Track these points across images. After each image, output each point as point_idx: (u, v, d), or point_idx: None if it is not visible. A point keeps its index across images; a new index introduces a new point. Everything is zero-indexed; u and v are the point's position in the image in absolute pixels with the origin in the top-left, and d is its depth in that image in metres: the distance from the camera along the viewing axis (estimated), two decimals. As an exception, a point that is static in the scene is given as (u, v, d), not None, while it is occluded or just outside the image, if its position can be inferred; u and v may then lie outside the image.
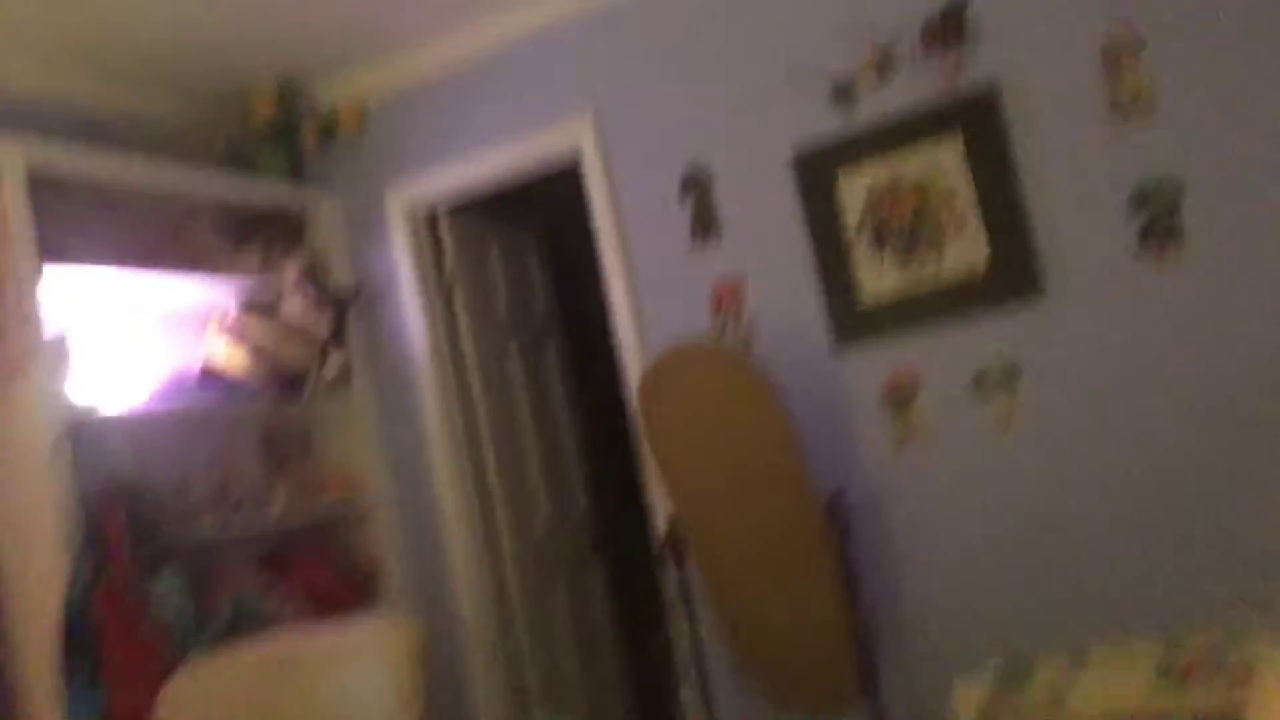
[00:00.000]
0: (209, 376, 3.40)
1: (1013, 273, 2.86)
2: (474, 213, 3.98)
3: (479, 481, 3.74)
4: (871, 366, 3.05)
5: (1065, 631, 2.78)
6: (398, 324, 3.76)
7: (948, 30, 2.93)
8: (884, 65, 3.01)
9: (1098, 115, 2.78)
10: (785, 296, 3.16)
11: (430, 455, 3.70)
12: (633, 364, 3.38)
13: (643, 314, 3.38)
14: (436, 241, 3.83)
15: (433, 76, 3.69)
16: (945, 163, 2.94)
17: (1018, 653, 2.62)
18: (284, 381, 3.48)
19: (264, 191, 3.65)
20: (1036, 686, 2.61)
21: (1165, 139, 2.70)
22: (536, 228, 4.50)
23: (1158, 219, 2.72)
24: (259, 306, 3.53)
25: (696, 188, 3.29)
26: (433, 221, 3.83)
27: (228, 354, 3.43)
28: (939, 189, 2.95)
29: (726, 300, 3.25)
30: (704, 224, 3.28)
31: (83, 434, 2.85)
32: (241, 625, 3.12)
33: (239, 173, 3.69)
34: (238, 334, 3.46)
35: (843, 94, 3.07)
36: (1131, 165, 2.74)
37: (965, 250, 2.92)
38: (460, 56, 3.63)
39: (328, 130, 3.82)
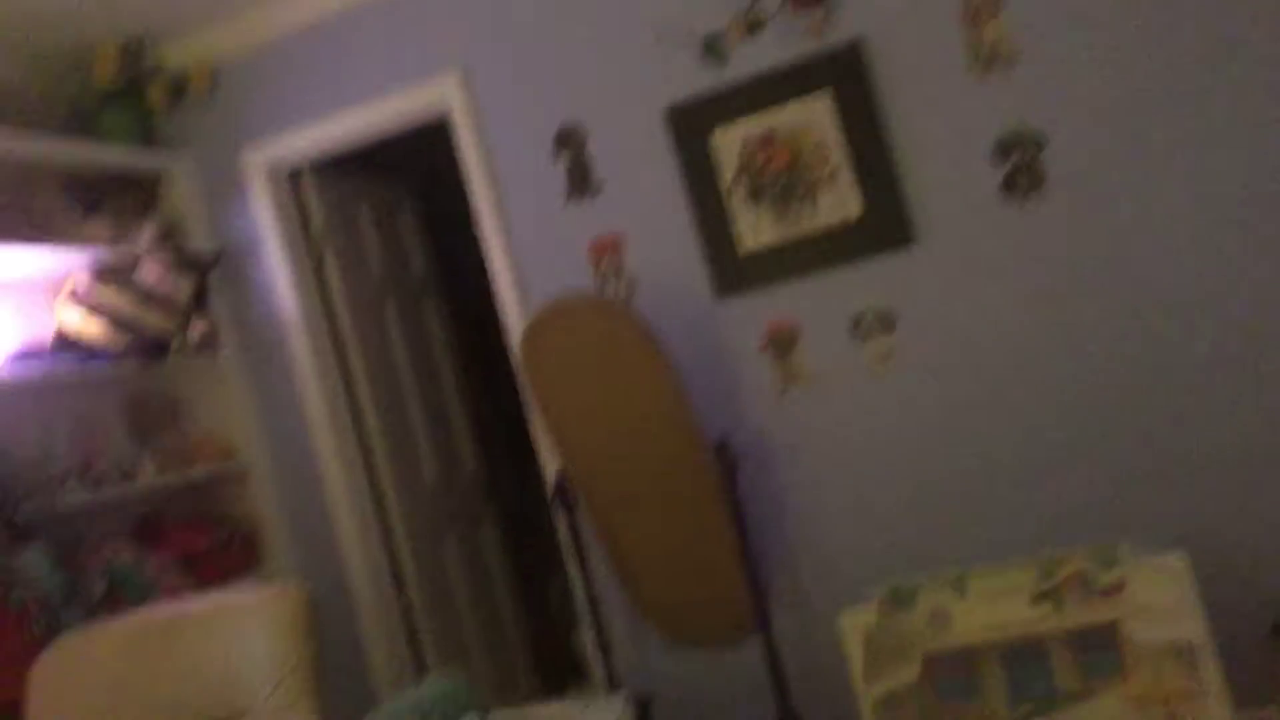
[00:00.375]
0: (64, 344, 3.24)
1: (885, 222, 2.96)
2: (342, 171, 3.88)
3: (361, 441, 3.70)
4: (752, 316, 3.12)
5: (946, 560, 2.93)
6: (265, 286, 3.65)
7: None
8: (753, 23, 3.05)
9: (960, 68, 2.89)
10: (665, 250, 3.20)
11: (307, 417, 3.62)
12: (515, 321, 3.36)
13: (522, 271, 3.37)
14: (302, 202, 3.71)
15: (291, 32, 3.55)
16: (816, 117, 3.01)
17: (902, 581, 2.74)
18: (146, 348, 3.34)
19: (112, 155, 3.47)
20: (920, 611, 2.74)
21: (1025, 90, 2.83)
22: (411, 184, 4.41)
23: (1020, 167, 2.85)
24: (114, 273, 3.36)
25: (571, 145, 3.28)
26: (298, 182, 3.71)
27: (83, 322, 3.27)
28: (811, 143, 3.02)
29: (606, 255, 3.26)
30: (580, 181, 3.28)
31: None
32: (117, 597, 3.01)
33: (84, 137, 3.50)
34: (92, 302, 3.29)
35: (713, 51, 3.10)
36: (994, 116, 2.86)
37: (839, 202, 3.00)
38: (320, 11, 3.50)
39: (177, 90, 3.65)
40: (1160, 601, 2.46)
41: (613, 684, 3.15)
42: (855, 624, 2.64)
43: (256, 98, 3.63)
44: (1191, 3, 2.69)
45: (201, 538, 3.41)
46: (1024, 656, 2.64)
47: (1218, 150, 2.70)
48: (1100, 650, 2.57)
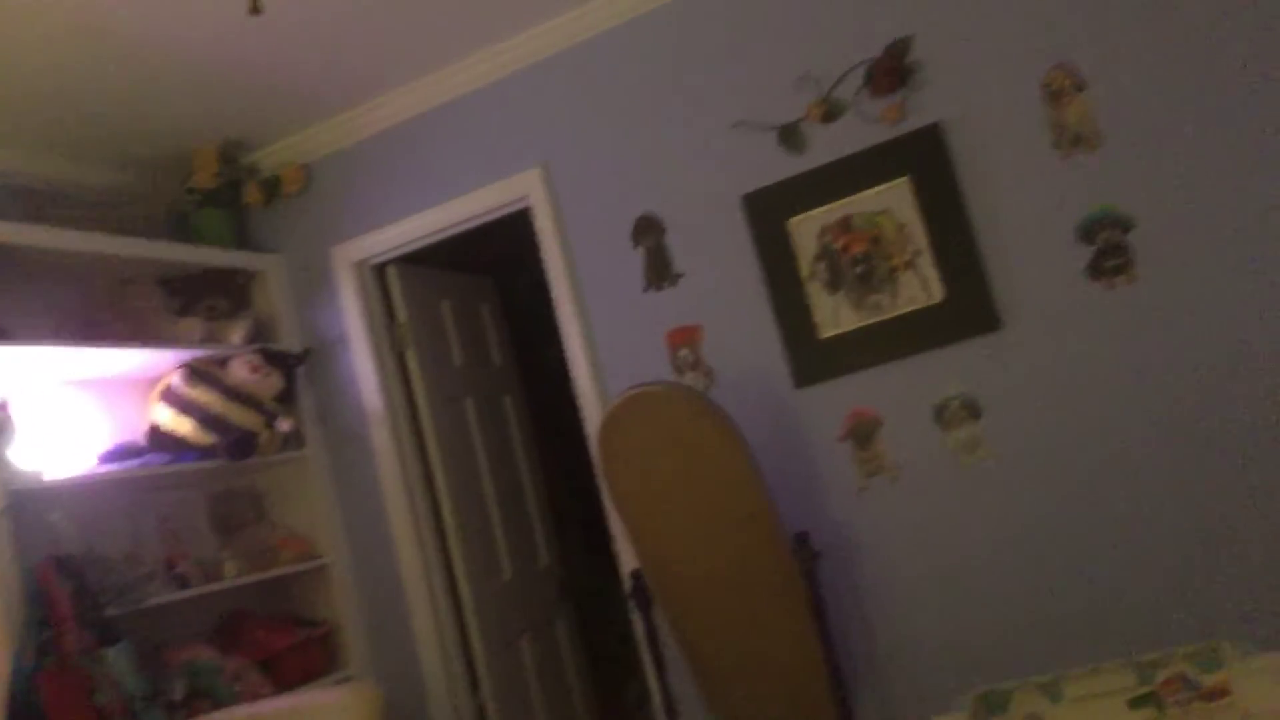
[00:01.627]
0: (155, 442, 3.32)
1: (968, 306, 2.89)
2: (425, 265, 3.95)
3: (437, 536, 3.68)
4: (832, 405, 3.05)
5: (1038, 662, 2.76)
6: (350, 381, 3.71)
7: (890, 73, 2.98)
8: (830, 111, 3.05)
9: (1042, 149, 2.83)
10: (743, 339, 3.16)
11: (386, 512, 3.63)
12: (592, 411, 3.35)
13: (599, 361, 3.36)
14: (386, 296, 3.79)
15: (378, 132, 3.68)
16: (895, 202, 2.98)
17: (993, 686, 2.59)
18: (233, 446, 3.39)
19: (206, 256, 3.59)
20: (1014, 717, 2.57)
21: (1109, 171, 2.76)
22: (492, 277, 4.47)
23: (1106, 249, 2.77)
24: (205, 372, 3.45)
25: (649, 235, 3.29)
26: (382, 276, 3.79)
27: (174, 420, 3.34)
28: (891, 228, 2.98)
29: (684, 345, 3.24)
30: (658, 270, 3.28)
31: (26, 503, 2.76)
32: (197, 698, 3.01)
33: (181, 239, 3.64)
34: (184, 400, 3.37)
35: (789, 139, 3.10)
36: (1078, 197, 2.79)
37: (920, 286, 2.94)
38: (406, 112, 3.62)
39: (271, 191, 3.79)
40: (1269, 704, 2.27)
41: (693, 792, 3.02)
42: (947, 732, 2.48)
43: (345, 197, 3.74)
44: (1274, 78, 2.61)
45: (282, 637, 3.41)
46: (1130, 768, 2.45)
47: (1320, 227, 2.58)
48: (1212, 759, 2.37)
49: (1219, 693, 2.42)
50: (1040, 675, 2.65)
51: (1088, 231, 2.79)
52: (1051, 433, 2.82)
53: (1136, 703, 2.47)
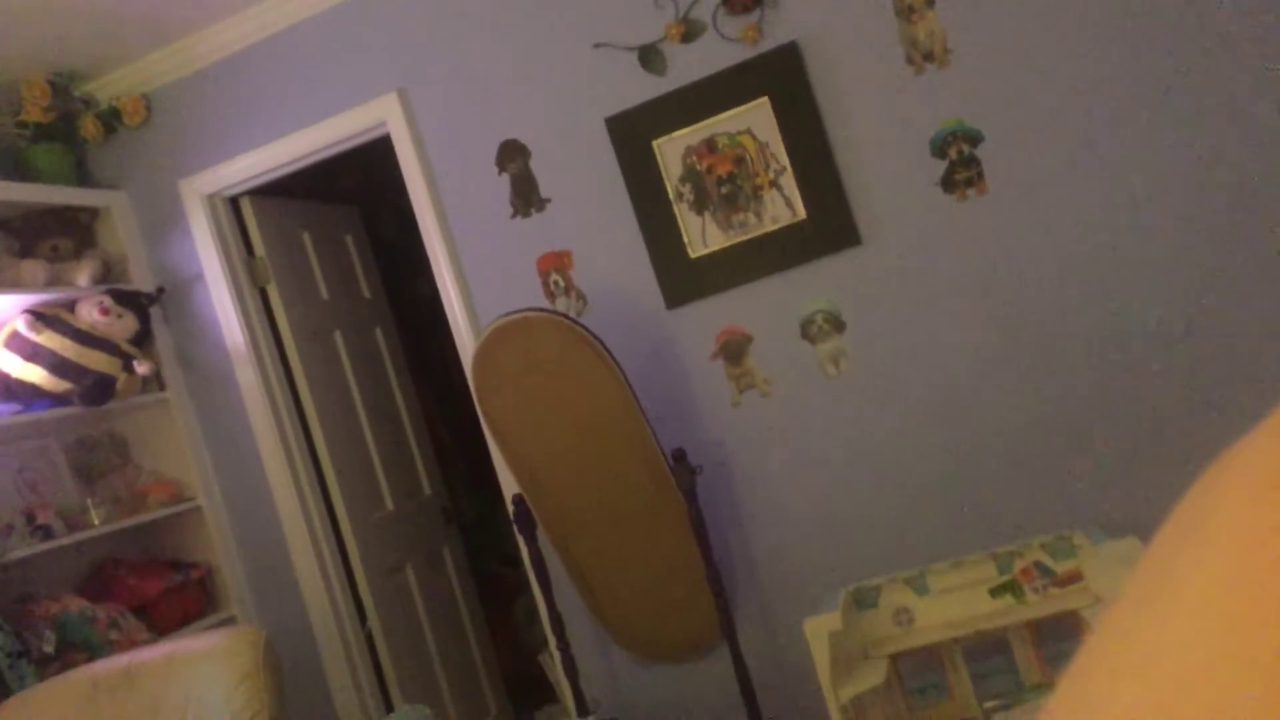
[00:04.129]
0: (4, 390, 3.16)
1: (830, 224, 2.96)
2: (284, 198, 3.82)
3: (314, 472, 3.63)
4: (703, 324, 3.11)
5: (907, 559, 2.92)
6: (210, 320, 3.59)
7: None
8: (688, 31, 3.05)
9: (895, 68, 2.90)
10: (614, 262, 3.18)
11: (258, 451, 3.56)
12: (466, 342, 3.33)
13: (470, 290, 3.34)
14: (243, 230, 3.66)
15: (224, 59, 3.51)
16: (756, 122, 3.01)
17: (862, 583, 2.73)
18: (89, 391, 3.26)
19: (45, 194, 3.39)
20: (883, 612, 2.74)
21: (959, 87, 2.84)
22: (356, 205, 4.36)
23: (957, 162, 2.86)
24: (52, 316, 3.29)
25: (514, 161, 3.26)
26: (237, 209, 3.65)
27: (22, 368, 3.19)
28: (753, 148, 3.02)
29: (555, 271, 3.24)
30: (525, 196, 3.25)
31: None
32: (69, 651, 2.93)
33: (16, 177, 3.42)
34: (31, 346, 3.22)
35: (650, 61, 3.09)
36: (930, 113, 2.87)
37: (783, 205, 3.00)
38: (252, 36, 3.46)
39: (110, 124, 3.59)
40: (1117, 587, 2.46)
41: (582, 705, 3.12)
42: (820, 629, 2.62)
43: (191, 127, 3.57)
44: (1118, -8, 2.73)
45: (155, 583, 3.34)
46: (987, 651, 2.64)
47: (1149, 140, 2.72)
48: (1062, 640, 2.57)
49: (1072, 578, 2.62)
50: (907, 570, 2.82)
51: (940, 146, 2.88)
52: (911, 342, 2.94)
53: (997, 591, 2.66)
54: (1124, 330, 2.77)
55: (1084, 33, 2.76)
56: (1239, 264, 2.69)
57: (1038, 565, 2.64)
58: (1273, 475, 0.27)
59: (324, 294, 3.92)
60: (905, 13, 2.88)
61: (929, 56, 2.88)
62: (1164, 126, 2.72)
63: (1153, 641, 0.26)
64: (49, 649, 2.92)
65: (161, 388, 3.55)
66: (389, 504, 3.91)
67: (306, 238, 3.92)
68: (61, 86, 3.46)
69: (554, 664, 3.28)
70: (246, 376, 3.55)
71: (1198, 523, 0.28)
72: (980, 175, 2.85)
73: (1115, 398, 2.79)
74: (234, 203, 3.65)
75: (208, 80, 3.54)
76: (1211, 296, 2.71)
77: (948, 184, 2.88)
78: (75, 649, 2.97)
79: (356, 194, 4.42)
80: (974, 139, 2.85)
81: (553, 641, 3.17)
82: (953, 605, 2.69)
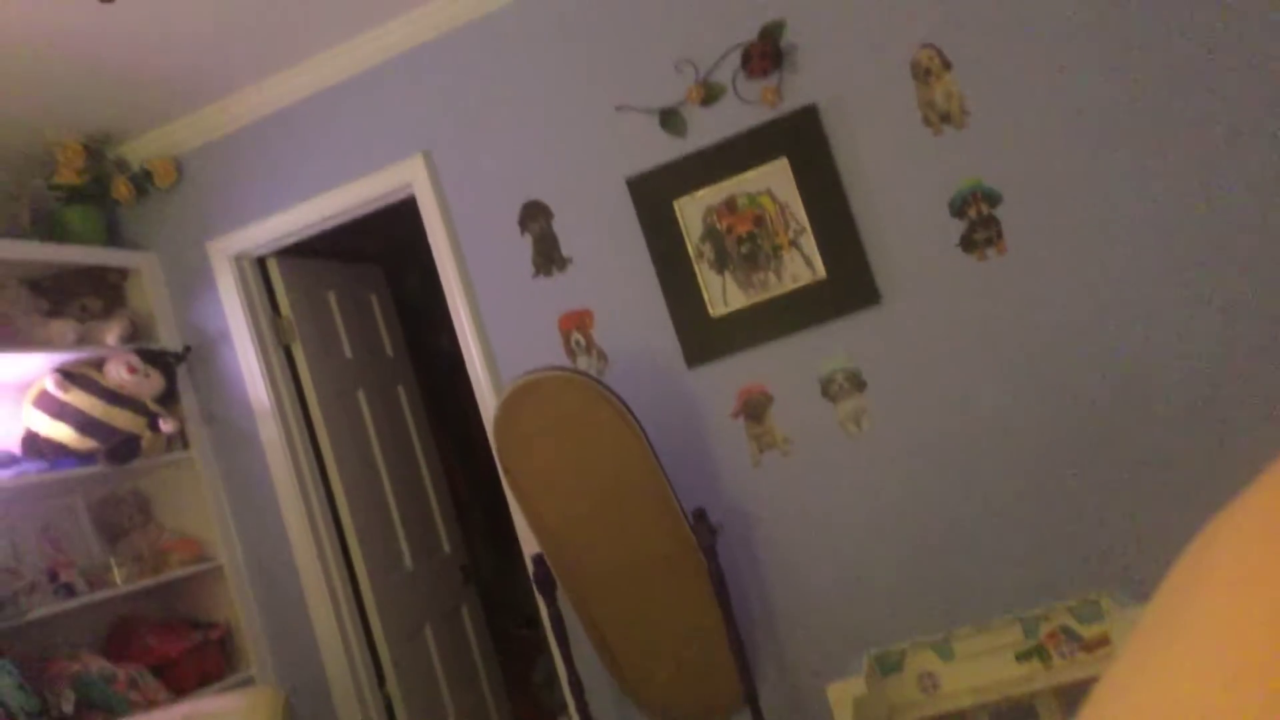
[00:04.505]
0: (32, 449, 3.19)
1: (849, 282, 2.97)
2: (309, 258, 3.87)
3: (335, 531, 3.63)
4: (724, 382, 3.11)
5: (930, 622, 2.88)
6: (235, 379, 3.62)
7: (765, 56, 3.03)
8: (709, 94, 3.09)
9: (914, 128, 2.92)
10: (635, 321, 3.19)
11: (280, 509, 3.56)
12: (486, 399, 3.34)
13: (492, 349, 3.35)
14: (269, 289, 3.70)
15: (253, 123, 3.58)
16: (776, 182, 3.03)
17: (887, 647, 2.69)
18: (114, 449, 3.29)
19: (76, 254, 3.45)
20: (907, 677, 2.69)
21: (977, 147, 2.86)
22: (380, 264, 4.41)
23: (977, 222, 2.87)
24: (80, 375, 3.33)
25: (536, 221, 3.29)
26: (264, 270, 3.70)
27: (50, 426, 3.22)
28: (772, 208, 3.04)
29: (576, 329, 3.26)
30: (547, 255, 3.28)
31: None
32: (89, 709, 2.92)
33: (48, 238, 3.49)
34: (59, 404, 3.25)
35: (670, 123, 3.13)
36: (949, 173, 2.89)
37: (803, 265, 3.01)
38: (280, 101, 3.53)
39: (141, 186, 3.66)
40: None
41: (602, 769, 3.07)
42: (843, 695, 2.58)
43: (220, 189, 3.64)
44: (1123, 57, 2.74)
45: (175, 643, 3.33)
46: (1015, 717, 2.59)
47: (1170, 200, 2.73)
48: (1091, 707, 2.52)
49: (1100, 642, 2.57)
50: (931, 634, 2.77)
51: (959, 206, 2.89)
52: (931, 401, 2.93)
53: (1023, 656, 2.61)
54: (1146, 392, 2.75)
55: (1103, 93, 2.77)
56: (1264, 326, 2.67)
57: (1064, 629, 2.59)
58: (1266, 526, 0.27)
59: (348, 353, 3.95)
60: (922, 75, 2.92)
61: (946, 118, 2.90)
62: (1185, 188, 2.72)
63: (1153, 693, 0.27)
64: (68, 709, 2.91)
65: (186, 446, 3.57)
66: (408, 563, 3.90)
67: (331, 297, 3.96)
68: (95, 149, 3.54)
69: (573, 727, 3.23)
70: (270, 435, 3.57)
71: (1196, 573, 0.29)
72: (999, 235, 2.86)
73: (1140, 459, 2.76)
74: (261, 263, 3.70)
75: (237, 143, 3.61)
76: (1237, 359, 2.69)
77: (967, 244, 2.89)
78: (94, 709, 2.96)
79: (381, 252, 4.48)
80: (993, 199, 2.86)
81: (572, 705, 3.13)
82: (979, 670, 2.64)
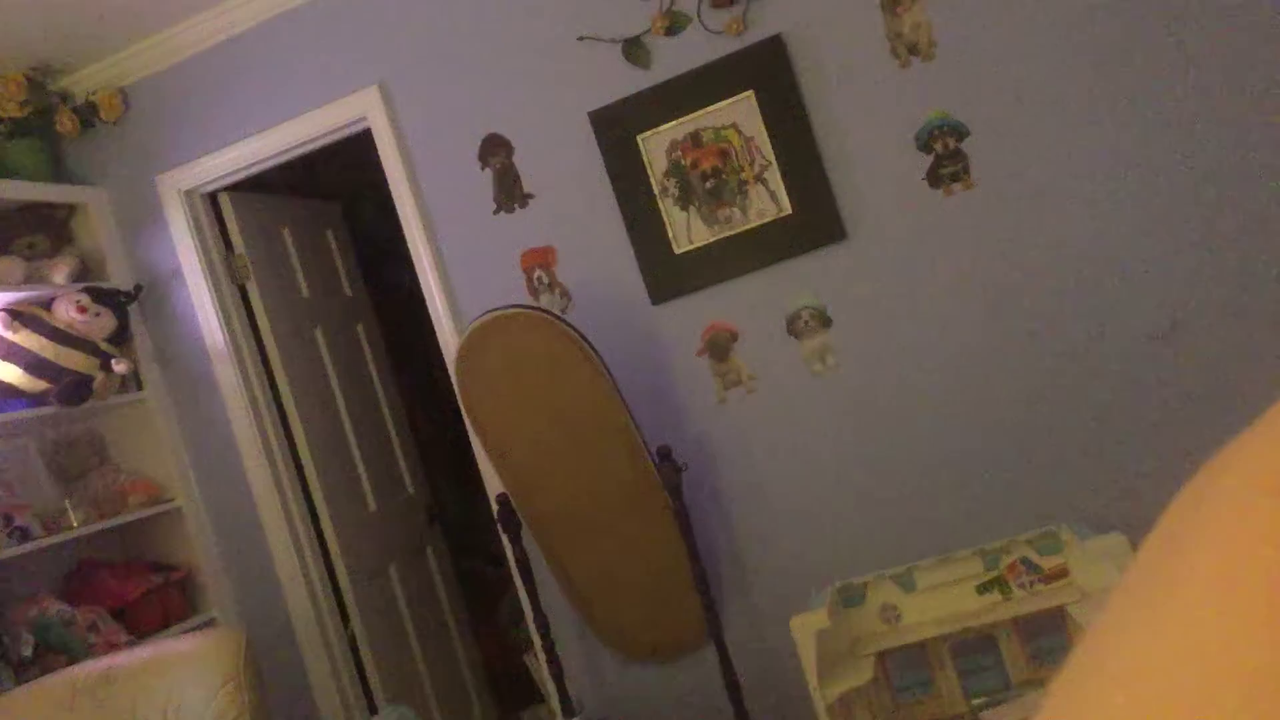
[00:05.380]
0: (-21, 393, 3.12)
1: (816, 218, 2.94)
2: (264, 194, 3.78)
3: (295, 471, 3.59)
4: (689, 320, 3.08)
5: (894, 555, 2.91)
6: (189, 318, 3.54)
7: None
8: (672, 24, 3.02)
9: (881, 60, 2.87)
10: (598, 258, 3.15)
11: (239, 450, 3.52)
12: (449, 340, 3.29)
13: (452, 287, 3.30)
14: (222, 226, 3.61)
15: (201, 52, 3.46)
16: (741, 116, 2.98)
17: (849, 580, 2.72)
18: (66, 390, 3.21)
19: (20, 190, 3.34)
20: (869, 609, 2.72)
21: (944, 80, 2.83)
22: (336, 199, 4.31)
23: (943, 156, 2.85)
24: (28, 315, 3.24)
25: (497, 155, 3.22)
26: (216, 205, 3.61)
27: (-2, 367, 3.14)
28: (738, 142, 2.99)
29: (539, 266, 3.21)
30: (508, 191, 3.22)
31: None
32: (48, 654, 2.89)
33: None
34: (7, 345, 3.17)
35: (634, 54, 3.06)
36: (915, 107, 2.85)
37: (769, 200, 2.97)
38: (230, 29, 3.41)
39: (86, 119, 3.53)
40: (1103, 583, 2.45)
41: (568, 705, 3.09)
42: (806, 627, 2.61)
43: (169, 122, 3.52)
44: (1103, -15, 2.71)
45: (134, 585, 3.29)
46: (975, 648, 2.63)
47: (1139, 134, 2.71)
48: (1048, 636, 2.56)
49: (1058, 574, 2.61)
50: (894, 567, 2.80)
51: (925, 140, 2.86)
52: (897, 338, 2.92)
53: (984, 588, 2.64)
54: (1110, 326, 2.76)
55: (1072, 25, 2.74)
56: (1227, 261, 2.68)
57: (1024, 561, 2.63)
58: (1263, 480, 0.26)
59: (304, 290, 3.87)
60: (890, 6, 2.86)
61: (914, 50, 2.86)
62: (1154, 120, 2.70)
63: (1143, 650, 0.26)
64: (27, 652, 2.88)
65: (140, 387, 3.51)
66: (371, 503, 3.88)
67: (287, 234, 3.87)
68: (37, 82, 3.41)
69: (539, 664, 3.25)
70: (226, 375, 3.50)
71: (1188, 527, 0.28)
72: (966, 170, 2.84)
73: (1101, 393, 2.78)
74: (213, 198, 3.60)
75: (185, 74, 3.49)
76: (1199, 293, 2.70)
77: (934, 178, 2.86)
78: (54, 652, 2.93)
79: (338, 188, 4.38)
80: (960, 133, 2.83)
81: (538, 641, 3.15)
82: (940, 602, 2.68)
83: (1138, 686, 0.26)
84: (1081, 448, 2.79)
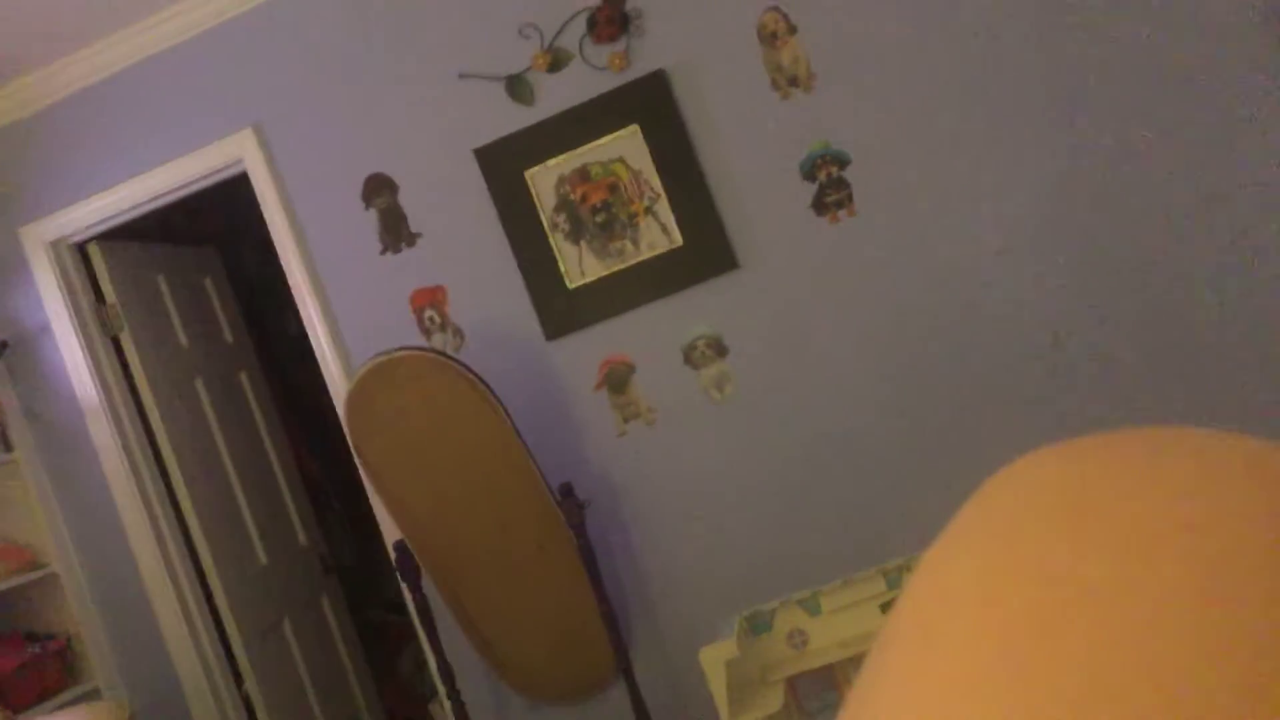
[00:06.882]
0: None
1: (706, 249, 2.96)
2: (137, 242, 3.63)
3: (179, 529, 3.43)
4: (585, 354, 3.06)
5: (801, 581, 2.92)
6: (59, 373, 3.37)
7: (611, 21, 2.97)
8: (555, 60, 3.02)
9: (762, 92, 2.92)
10: (490, 296, 3.11)
11: (117, 510, 3.35)
12: (337, 382, 3.21)
13: (339, 330, 3.22)
14: (93, 277, 3.45)
15: (62, 99, 3.31)
16: (628, 149, 2.99)
17: (757, 608, 2.72)
18: (-74, 456, 3.02)
19: None
20: (777, 635, 2.72)
21: (824, 110, 2.89)
22: (214, 245, 4.17)
23: (827, 184, 2.90)
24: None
25: (381, 195, 3.16)
26: (85, 256, 3.45)
27: None
28: (626, 176, 3.00)
29: (429, 306, 3.15)
30: (394, 231, 3.16)
31: None
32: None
33: None
34: None
35: (518, 90, 3.05)
36: (798, 136, 2.90)
37: (660, 232, 2.98)
38: (93, 75, 3.28)
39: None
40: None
41: (478, 752, 3.01)
42: (715, 658, 2.60)
43: (33, 170, 3.36)
44: (979, 20, 2.81)
45: (8, 658, 3.10)
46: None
47: (1013, 156, 2.81)
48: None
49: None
50: (799, 592, 2.82)
51: (810, 169, 2.92)
52: (792, 363, 2.96)
53: (887, 606, 2.67)
54: (994, 345, 2.84)
55: (945, 53, 2.83)
56: (1102, 276, 2.79)
57: (925, 579, 2.66)
58: (985, 545, 0.30)
59: (183, 340, 3.73)
60: (769, 39, 2.92)
61: (794, 81, 2.91)
62: (1026, 142, 2.81)
63: (904, 701, 0.28)
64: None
65: (9, 449, 3.31)
66: (262, 557, 3.73)
67: (162, 282, 3.72)
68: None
69: (445, 712, 3.17)
70: (101, 432, 3.34)
71: (938, 589, 0.31)
72: (850, 197, 2.90)
73: (990, 412, 2.85)
74: (82, 248, 3.44)
75: (49, 121, 3.34)
76: (1081, 320, 2.80)
77: (819, 206, 2.92)
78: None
79: (217, 232, 4.24)
80: (842, 161, 2.90)
81: (443, 691, 3.06)
82: (845, 624, 2.70)
83: None
84: (972, 467, 2.86)
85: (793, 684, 2.72)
